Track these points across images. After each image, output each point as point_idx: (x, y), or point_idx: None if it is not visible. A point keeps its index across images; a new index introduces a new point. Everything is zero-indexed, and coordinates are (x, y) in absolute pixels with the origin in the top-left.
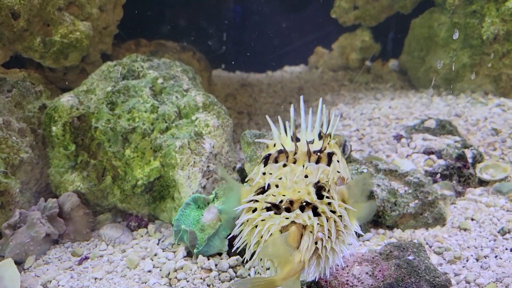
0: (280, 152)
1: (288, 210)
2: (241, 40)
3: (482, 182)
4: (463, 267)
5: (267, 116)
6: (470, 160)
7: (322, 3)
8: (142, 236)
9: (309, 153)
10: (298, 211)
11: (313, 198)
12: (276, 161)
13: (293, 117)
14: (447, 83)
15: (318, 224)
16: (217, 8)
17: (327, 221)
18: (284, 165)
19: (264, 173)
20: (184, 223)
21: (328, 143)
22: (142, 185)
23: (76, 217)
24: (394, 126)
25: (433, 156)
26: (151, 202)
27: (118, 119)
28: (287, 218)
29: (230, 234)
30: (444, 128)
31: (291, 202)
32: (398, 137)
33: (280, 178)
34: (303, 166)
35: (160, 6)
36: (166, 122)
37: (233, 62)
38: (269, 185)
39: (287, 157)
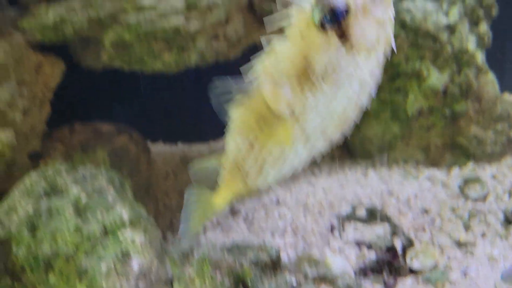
0: None
1: None
2: (180, 110)
3: (413, 270)
4: None
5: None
6: (399, 250)
7: None
8: None
9: None
10: None
11: None
12: None
13: None
14: (381, 153)
15: None
16: (153, 79)
17: None
18: None
19: None
20: None
21: None
22: None
23: None
24: (328, 214)
25: (364, 249)
26: None
27: (40, 243)
28: None
29: None
30: (374, 216)
31: None
32: (330, 228)
33: None
34: None
35: (92, 86)
36: (91, 243)
37: (172, 134)
38: None
39: None
